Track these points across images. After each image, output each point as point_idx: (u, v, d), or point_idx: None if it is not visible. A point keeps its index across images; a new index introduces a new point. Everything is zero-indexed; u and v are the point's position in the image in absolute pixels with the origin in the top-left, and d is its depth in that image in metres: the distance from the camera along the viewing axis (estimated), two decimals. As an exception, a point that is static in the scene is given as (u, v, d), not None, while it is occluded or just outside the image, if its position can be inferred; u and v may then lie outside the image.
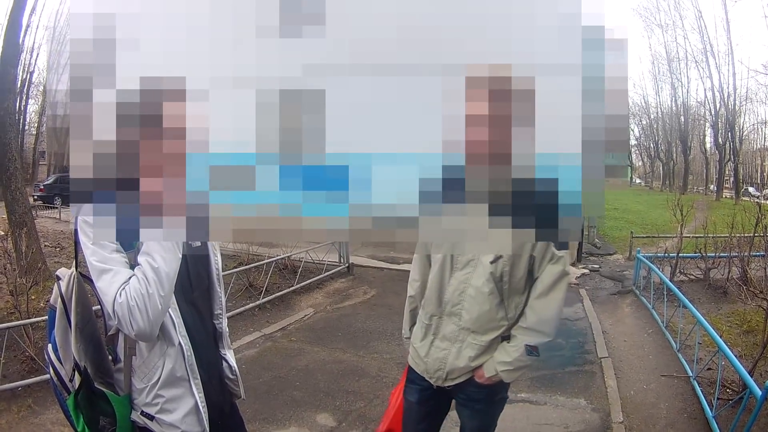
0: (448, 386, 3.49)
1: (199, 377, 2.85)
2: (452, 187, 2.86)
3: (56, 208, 29.51)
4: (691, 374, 7.41)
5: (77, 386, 2.76)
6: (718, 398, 6.35)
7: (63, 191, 33.60)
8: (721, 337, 6.64)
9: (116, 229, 2.52)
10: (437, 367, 3.46)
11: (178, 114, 2.58)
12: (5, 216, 13.21)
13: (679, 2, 59.15)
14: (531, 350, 3.28)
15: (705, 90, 56.99)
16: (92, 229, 2.55)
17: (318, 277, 13.51)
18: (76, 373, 2.75)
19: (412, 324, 3.78)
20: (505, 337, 3.41)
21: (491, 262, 3.25)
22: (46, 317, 7.35)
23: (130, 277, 2.51)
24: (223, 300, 3.21)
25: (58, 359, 2.82)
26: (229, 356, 3.27)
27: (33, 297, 9.23)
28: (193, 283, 2.96)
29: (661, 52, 67.88)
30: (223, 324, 3.21)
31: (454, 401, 3.67)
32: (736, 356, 6.25)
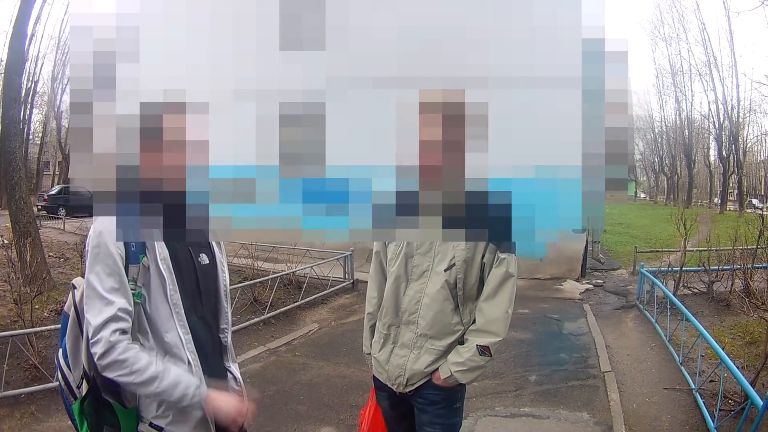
0: (409, 392, 3.59)
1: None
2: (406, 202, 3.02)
3: (60, 218, 29.41)
4: (693, 386, 7.42)
5: (84, 393, 2.80)
6: (720, 409, 6.38)
7: (67, 202, 33.86)
8: (723, 349, 6.67)
9: (123, 240, 2.62)
10: (397, 374, 3.58)
11: (178, 126, 2.68)
12: (9, 225, 13.26)
13: (683, 15, 59.28)
14: (483, 350, 3.37)
15: (709, 103, 57.13)
16: (96, 247, 2.61)
17: (323, 293, 13.54)
18: (84, 380, 2.80)
19: (372, 339, 3.88)
20: (462, 342, 3.50)
21: (445, 270, 3.38)
22: (50, 326, 7.46)
23: (119, 311, 2.56)
24: (229, 315, 3.24)
25: (68, 365, 2.88)
26: (234, 369, 3.30)
27: (37, 306, 9.25)
28: (203, 299, 3.00)
29: (665, 65, 68.03)
30: (228, 338, 3.23)
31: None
32: (738, 367, 6.26)
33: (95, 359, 2.57)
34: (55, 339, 8.25)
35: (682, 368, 8.22)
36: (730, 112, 52.62)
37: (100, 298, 2.57)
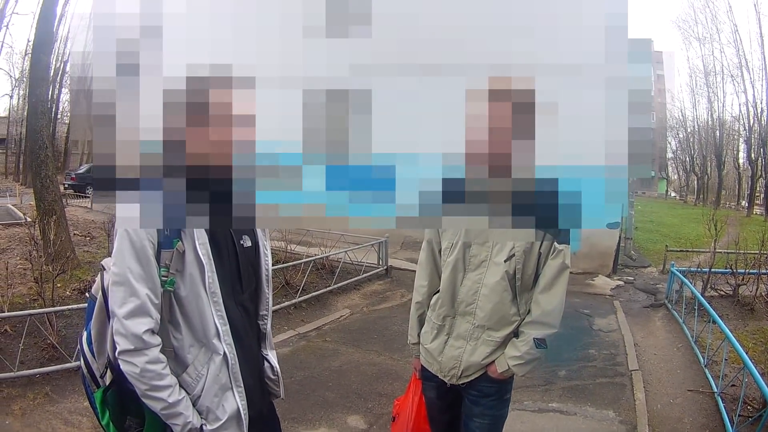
0: (462, 383, 3.61)
1: (242, 384, 2.88)
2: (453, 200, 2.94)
3: (88, 197, 29.52)
4: (715, 390, 7.44)
5: (108, 383, 2.77)
6: (739, 415, 6.41)
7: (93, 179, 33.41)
8: (746, 353, 6.70)
9: (162, 218, 2.54)
10: (452, 365, 3.60)
11: (224, 101, 2.59)
12: (34, 203, 13.38)
13: (716, 15, 58.59)
14: (539, 343, 3.41)
15: (740, 105, 56.51)
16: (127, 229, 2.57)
17: (355, 279, 13.56)
18: (109, 370, 2.77)
19: (420, 330, 3.93)
20: (517, 335, 3.53)
21: (505, 261, 3.39)
22: (71, 306, 7.53)
23: (144, 303, 2.54)
24: (270, 301, 3.22)
25: (92, 352, 2.84)
26: (272, 356, 3.31)
27: (59, 285, 9.36)
28: (243, 284, 2.96)
29: (699, 65, 67.38)
30: (268, 325, 3.24)
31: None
32: (759, 373, 6.26)
33: (116, 351, 2.57)
34: (76, 318, 8.33)
35: (706, 370, 8.24)
36: (759, 115, 52.03)
37: (124, 284, 2.53)
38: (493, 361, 3.52)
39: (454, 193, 2.95)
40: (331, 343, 9.36)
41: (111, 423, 2.77)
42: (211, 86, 2.57)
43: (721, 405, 7.00)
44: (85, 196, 30.55)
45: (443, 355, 3.63)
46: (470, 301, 3.51)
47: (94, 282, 2.90)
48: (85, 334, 2.87)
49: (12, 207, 24.27)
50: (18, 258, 12.10)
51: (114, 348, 2.60)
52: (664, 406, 7.40)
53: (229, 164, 2.60)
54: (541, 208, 3.00)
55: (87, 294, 3.12)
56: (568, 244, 3.37)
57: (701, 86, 67.11)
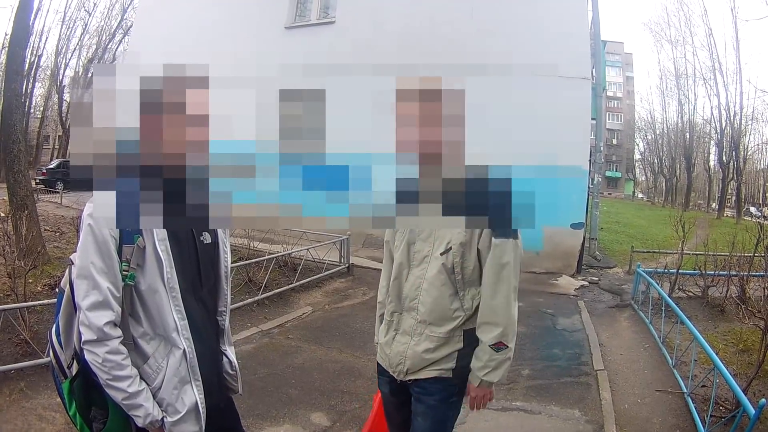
0: (409, 380, 3.58)
1: (200, 378, 2.92)
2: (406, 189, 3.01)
3: (58, 192, 29.34)
4: (685, 390, 7.42)
5: (74, 373, 2.81)
6: (711, 415, 6.39)
7: (65, 176, 33.56)
8: (717, 355, 6.65)
9: (117, 218, 2.61)
10: (398, 361, 3.58)
11: (201, 101, 2.65)
12: (6, 198, 13.20)
13: (690, 18, 59.73)
14: (497, 347, 3.34)
15: (711, 108, 57.47)
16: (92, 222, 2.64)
17: (318, 276, 13.51)
18: (75, 361, 2.81)
19: None
20: (466, 330, 3.49)
21: (441, 254, 3.37)
22: (43, 301, 7.45)
23: (106, 296, 2.61)
24: (228, 297, 3.28)
25: (60, 344, 2.88)
26: (230, 352, 3.34)
27: (31, 281, 9.27)
28: (203, 280, 3.02)
29: (670, 67, 68.23)
30: (226, 321, 3.28)
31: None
32: (731, 374, 6.25)
33: (81, 341, 2.65)
34: (47, 314, 8.24)
35: (675, 371, 8.22)
36: (732, 118, 52.64)
37: (87, 278, 2.61)
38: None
39: (406, 193, 3.05)
40: (293, 341, 9.32)
41: (77, 413, 2.85)
42: (165, 86, 2.62)
43: (692, 405, 6.99)
44: (56, 192, 30.44)
45: (391, 350, 3.66)
46: (413, 296, 3.51)
47: (63, 276, 2.91)
48: (54, 326, 2.93)
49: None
50: (-10, 252, 11.96)
51: (80, 338, 2.67)
52: (632, 406, 7.38)
53: (183, 163, 2.69)
54: (474, 204, 3.10)
55: (57, 288, 3.16)
56: (509, 238, 3.31)
57: (672, 89, 68.01)
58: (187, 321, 2.84)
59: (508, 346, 3.36)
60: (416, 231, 3.48)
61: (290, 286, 12.33)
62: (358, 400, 6.94)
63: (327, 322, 10.63)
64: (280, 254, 13.11)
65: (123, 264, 2.67)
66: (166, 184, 2.69)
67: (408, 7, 18.24)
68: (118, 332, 2.65)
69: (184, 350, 2.83)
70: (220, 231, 3.17)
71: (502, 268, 3.29)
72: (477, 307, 3.46)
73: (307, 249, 13.75)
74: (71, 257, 2.82)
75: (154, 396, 2.79)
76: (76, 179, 2.54)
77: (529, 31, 16.15)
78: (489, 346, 3.33)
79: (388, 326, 3.72)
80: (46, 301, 8.06)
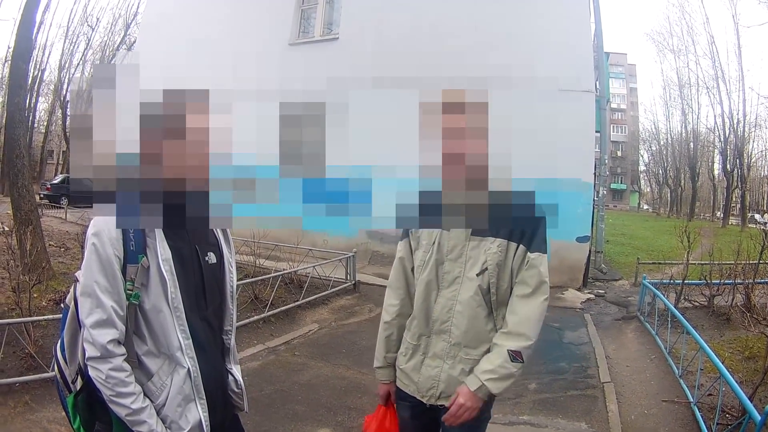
0: (441, 404, 3.45)
1: (204, 396, 2.93)
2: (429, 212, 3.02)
3: (62, 208, 29.46)
4: (691, 400, 7.40)
5: (79, 388, 2.83)
6: (717, 423, 6.37)
7: (70, 191, 33.67)
8: (723, 363, 6.65)
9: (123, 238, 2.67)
10: (430, 386, 3.45)
11: (201, 126, 2.71)
12: (11, 212, 13.19)
13: (692, 27, 59.57)
14: (514, 356, 3.19)
15: (715, 116, 57.27)
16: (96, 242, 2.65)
17: (324, 293, 13.48)
18: (79, 376, 2.84)
19: (388, 351, 3.78)
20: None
21: (477, 275, 3.26)
22: (48, 316, 7.55)
23: (109, 315, 2.63)
24: (234, 316, 3.28)
25: (64, 359, 2.91)
26: (235, 371, 3.35)
27: (35, 295, 9.23)
28: (207, 300, 3.02)
29: (673, 77, 68.26)
30: (232, 340, 3.29)
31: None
32: (737, 382, 6.26)
33: (85, 357, 2.66)
34: (52, 329, 8.28)
35: (681, 381, 8.20)
36: (735, 126, 52.68)
37: (91, 296, 2.63)
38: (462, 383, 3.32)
39: (430, 206, 3.06)
40: (300, 357, 9.29)
41: (81, 428, 2.86)
42: (165, 111, 2.69)
43: (698, 414, 6.97)
44: (60, 207, 30.54)
45: (420, 375, 3.49)
46: (445, 318, 3.37)
47: (68, 292, 2.95)
48: (59, 341, 2.96)
49: (-12, 216, 24.03)
50: (-5, 267, 11.96)
51: (84, 354, 2.68)
52: (639, 417, 7.36)
53: (206, 177, 2.79)
54: (516, 221, 3.08)
55: (62, 304, 3.17)
56: (544, 254, 3.25)
57: (675, 98, 68.04)
58: (191, 340, 2.85)
59: (522, 362, 3.21)
60: (445, 251, 3.35)
61: (296, 303, 12.30)
62: (364, 416, 6.84)
63: (333, 339, 10.59)
64: (286, 271, 13.05)
65: (128, 283, 2.67)
66: (167, 196, 2.74)
67: (411, 21, 18.29)
68: (122, 350, 2.67)
69: (189, 369, 2.84)
70: (225, 250, 3.18)
71: (540, 283, 3.22)
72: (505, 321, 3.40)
73: (313, 266, 13.70)
74: (76, 274, 2.83)
75: (158, 413, 2.79)
76: (76, 191, 2.60)
77: (533, 44, 16.16)
78: (508, 350, 3.18)
79: (414, 350, 3.55)
80: (51, 316, 8.11)
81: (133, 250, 2.69)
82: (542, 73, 15.12)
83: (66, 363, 2.92)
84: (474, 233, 3.23)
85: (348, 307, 13.17)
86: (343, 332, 11.08)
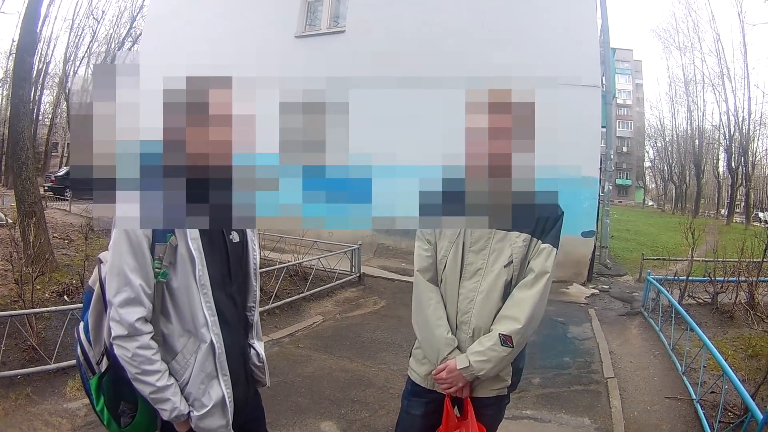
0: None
1: (227, 373, 3.00)
2: (453, 201, 3.02)
3: (67, 200, 29.24)
4: (694, 397, 7.41)
5: (104, 369, 2.93)
6: (719, 421, 6.38)
7: (71, 178, 33.53)
8: (726, 361, 6.66)
9: (162, 218, 2.77)
10: None
11: (224, 101, 2.78)
12: (14, 205, 13.28)
13: (698, 24, 59.35)
14: (504, 340, 3.20)
15: (720, 114, 57.22)
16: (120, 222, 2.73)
17: (328, 285, 13.49)
18: (105, 357, 2.93)
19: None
20: None
21: (504, 266, 3.29)
22: (51, 308, 7.52)
23: (137, 293, 2.71)
24: (257, 293, 3.41)
25: (88, 340, 2.98)
26: (258, 346, 3.44)
27: (38, 287, 9.28)
28: (232, 277, 3.11)
29: (679, 74, 68.17)
30: (255, 315, 3.42)
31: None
32: (739, 380, 6.26)
33: (111, 336, 2.73)
34: (55, 320, 8.29)
35: (684, 378, 8.20)
36: (740, 123, 52.57)
37: (119, 275, 2.69)
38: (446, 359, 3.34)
39: (453, 198, 3.10)
40: (303, 350, 9.30)
41: (105, 408, 2.94)
42: (211, 86, 2.77)
43: (701, 411, 6.97)
44: (64, 199, 30.33)
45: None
46: (465, 309, 3.39)
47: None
48: (82, 323, 3.04)
49: (-8, 208, 23.97)
50: (-2, 258, 11.96)
51: (110, 334, 2.76)
52: (642, 413, 7.37)
53: (230, 164, 2.88)
54: (540, 220, 3.17)
55: (84, 288, 3.30)
56: (555, 247, 3.29)
57: (681, 95, 67.91)
58: (217, 317, 2.93)
59: (512, 348, 3.22)
60: (468, 243, 3.38)
61: (301, 295, 12.31)
62: (367, 408, 6.93)
63: (337, 331, 10.60)
64: (291, 263, 13.06)
65: (155, 262, 2.75)
66: (190, 184, 2.82)
67: (418, 15, 18.30)
68: (149, 328, 2.75)
69: (213, 345, 2.90)
70: (248, 230, 3.28)
71: (542, 272, 3.24)
72: None
73: (318, 258, 13.72)
74: (100, 256, 2.95)
75: (182, 391, 2.88)
76: (77, 179, 2.65)
77: (540, 40, 16.14)
78: (499, 334, 3.20)
79: None
80: (54, 308, 8.15)
81: (162, 230, 2.77)
82: (547, 68, 15.07)
83: (90, 345, 2.98)
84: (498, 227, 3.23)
85: (353, 300, 13.18)
86: (348, 324, 11.09)
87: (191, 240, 2.82)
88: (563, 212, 3.30)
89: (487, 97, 3.00)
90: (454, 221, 3.26)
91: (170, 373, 2.84)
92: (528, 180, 3.09)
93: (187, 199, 2.82)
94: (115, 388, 2.90)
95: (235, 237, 3.13)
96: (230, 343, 3.03)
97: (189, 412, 2.89)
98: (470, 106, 3.05)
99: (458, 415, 3.52)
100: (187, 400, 2.89)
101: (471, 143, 3.11)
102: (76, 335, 3.08)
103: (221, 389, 2.96)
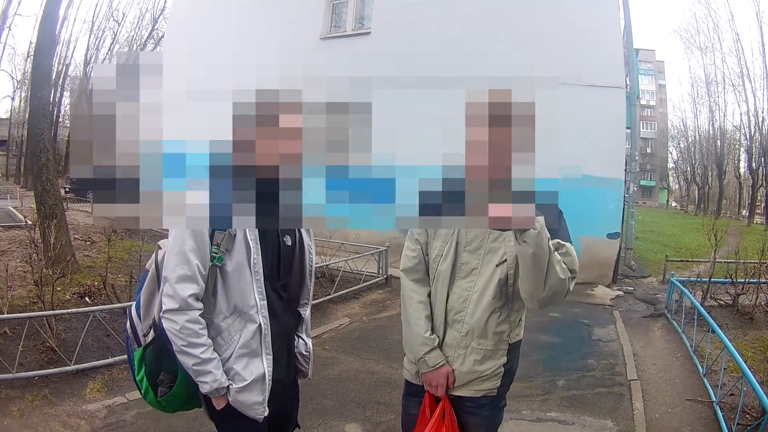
0: (452, 395, 3.55)
1: (271, 352, 3.19)
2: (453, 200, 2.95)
3: (88, 202, 29.08)
4: (714, 399, 7.44)
5: (149, 341, 3.16)
6: (738, 423, 6.43)
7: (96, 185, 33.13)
8: (745, 363, 6.71)
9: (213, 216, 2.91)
10: None
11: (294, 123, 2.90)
12: (34, 206, 13.32)
13: (717, 24, 58.87)
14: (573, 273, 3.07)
15: (741, 114, 56.71)
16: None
17: (355, 287, 13.54)
18: (152, 330, 3.17)
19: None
20: (511, 344, 3.52)
21: (497, 265, 3.36)
22: (71, 309, 7.89)
23: (194, 272, 2.93)
24: (311, 292, 3.67)
25: (138, 316, 3.24)
26: (306, 338, 3.69)
27: (59, 288, 9.36)
28: (280, 274, 3.33)
29: (700, 74, 67.60)
30: (307, 312, 3.68)
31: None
32: (758, 382, 6.29)
33: (162, 309, 2.96)
34: (76, 322, 8.40)
35: (705, 380, 8.24)
36: (761, 124, 52.18)
37: (179, 254, 2.92)
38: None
39: (452, 194, 2.98)
40: (329, 352, 9.34)
41: (145, 378, 3.16)
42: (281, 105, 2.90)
43: (720, 414, 6.99)
44: (86, 201, 30.20)
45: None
46: (459, 308, 3.47)
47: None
48: (135, 302, 3.30)
49: (13, 209, 24.26)
50: (18, 260, 12.06)
51: (160, 309, 3.00)
52: (663, 416, 7.39)
53: (277, 171, 2.95)
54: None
55: (140, 271, 3.54)
56: (571, 245, 3.23)
57: (702, 96, 67.35)
58: (266, 302, 3.14)
59: (574, 277, 3.09)
60: (463, 243, 3.45)
61: (328, 297, 12.37)
62: (393, 411, 6.89)
63: (364, 333, 10.64)
64: (318, 265, 12.87)
65: (213, 247, 2.98)
66: (259, 185, 2.96)
67: (440, 17, 18.29)
68: (200, 305, 2.96)
69: (260, 325, 3.11)
70: (304, 234, 3.48)
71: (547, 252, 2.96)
72: (521, 320, 3.54)
73: (345, 260, 13.82)
74: (159, 243, 3.23)
75: (223, 365, 3.07)
76: (99, 179, 2.75)
77: (563, 41, 16.14)
78: (559, 241, 3.10)
79: None
80: (74, 310, 8.25)
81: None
82: (572, 69, 15.07)
83: (140, 319, 3.23)
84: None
85: (379, 302, 13.21)
86: (374, 327, 11.12)
87: (249, 231, 3.03)
88: (562, 211, 3.31)
89: (486, 98, 2.82)
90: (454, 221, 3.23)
91: (213, 349, 3.02)
92: (528, 180, 2.94)
93: (257, 199, 2.95)
94: (158, 360, 3.11)
95: (287, 240, 3.35)
96: (276, 328, 3.22)
97: (228, 386, 3.06)
98: (470, 107, 2.92)
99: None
100: (227, 374, 3.07)
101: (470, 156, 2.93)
102: (128, 312, 3.32)
103: (263, 366, 3.13)
